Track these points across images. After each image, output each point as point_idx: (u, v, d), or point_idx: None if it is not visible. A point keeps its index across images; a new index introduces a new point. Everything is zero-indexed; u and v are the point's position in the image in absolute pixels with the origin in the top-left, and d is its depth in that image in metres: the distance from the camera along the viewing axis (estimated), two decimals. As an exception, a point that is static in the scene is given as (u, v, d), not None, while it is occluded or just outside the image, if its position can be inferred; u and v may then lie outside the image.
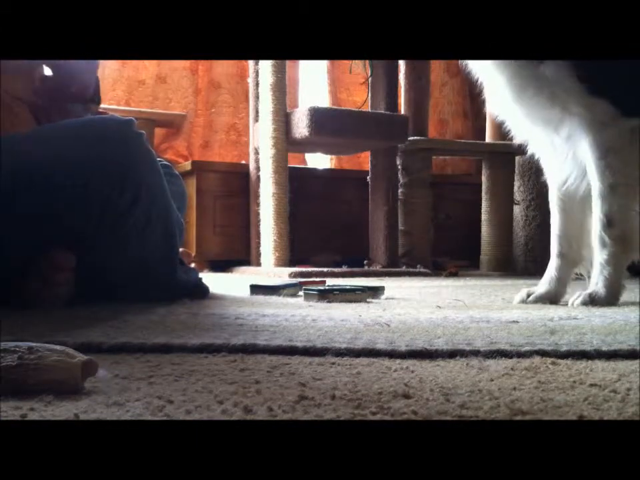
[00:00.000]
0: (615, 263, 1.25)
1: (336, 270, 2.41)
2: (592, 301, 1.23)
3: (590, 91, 1.20)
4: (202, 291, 1.34)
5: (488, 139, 3.07)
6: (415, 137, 2.80)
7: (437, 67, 3.90)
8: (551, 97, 1.22)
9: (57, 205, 1.09)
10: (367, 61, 2.81)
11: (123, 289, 1.16)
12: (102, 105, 3.17)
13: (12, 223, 1.07)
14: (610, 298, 1.24)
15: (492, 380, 0.58)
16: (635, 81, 1.21)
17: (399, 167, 2.83)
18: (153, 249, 1.18)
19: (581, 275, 1.40)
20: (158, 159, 1.27)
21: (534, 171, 2.96)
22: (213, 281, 1.66)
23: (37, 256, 1.08)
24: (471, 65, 1.31)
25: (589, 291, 1.27)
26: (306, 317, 1.01)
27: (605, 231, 1.25)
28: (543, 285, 1.36)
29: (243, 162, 3.26)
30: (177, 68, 3.41)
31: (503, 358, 0.69)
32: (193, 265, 1.52)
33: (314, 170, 3.44)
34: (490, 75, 1.28)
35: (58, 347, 0.53)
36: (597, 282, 1.26)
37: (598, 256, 1.27)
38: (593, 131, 1.23)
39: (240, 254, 2.99)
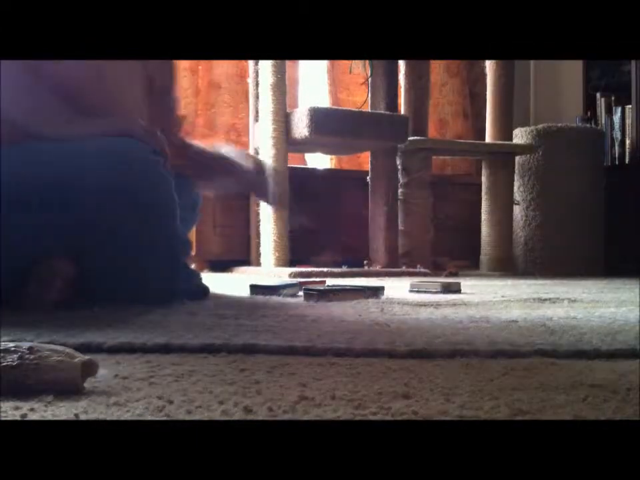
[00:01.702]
0: None
1: (336, 270, 2.41)
2: None
3: None
4: (202, 291, 1.34)
5: (488, 139, 3.07)
6: (415, 137, 2.80)
7: (436, 67, 3.90)
8: None
9: (65, 216, 1.10)
10: (367, 61, 2.81)
11: (123, 299, 1.16)
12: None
13: (17, 228, 1.08)
14: None
15: (492, 380, 0.58)
16: None
17: (399, 167, 2.82)
18: (156, 270, 1.18)
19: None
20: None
21: (534, 171, 2.97)
22: (213, 281, 1.66)
23: (37, 261, 1.09)
24: None
25: None
26: (306, 316, 1.01)
27: None
28: None
29: (243, 162, 3.25)
30: (177, 68, 3.41)
31: (503, 358, 0.69)
32: (192, 265, 1.52)
33: (314, 170, 3.44)
34: None
35: (58, 347, 0.53)
36: None
37: None
38: None
39: (240, 254, 2.99)
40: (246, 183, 1.57)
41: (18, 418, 0.44)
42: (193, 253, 2.85)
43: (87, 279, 1.12)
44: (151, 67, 1.38)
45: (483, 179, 2.97)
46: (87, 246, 1.12)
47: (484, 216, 2.94)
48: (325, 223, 3.15)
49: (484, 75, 3.15)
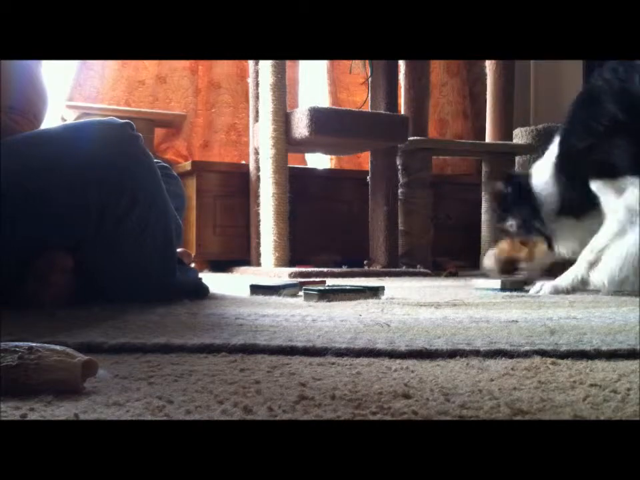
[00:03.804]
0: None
1: (336, 270, 2.41)
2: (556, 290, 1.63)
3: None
4: (202, 291, 1.34)
5: (488, 139, 3.07)
6: (415, 137, 2.80)
7: (437, 67, 3.90)
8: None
9: (55, 207, 1.09)
10: (367, 61, 2.81)
11: (122, 290, 1.16)
12: (102, 105, 3.17)
13: (11, 224, 1.07)
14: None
15: (492, 380, 0.58)
16: None
17: (399, 167, 2.83)
18: (151, 252, 1.18)
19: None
20: (156, 160, 1.26)
21: (534, 171, 2.97)
22: (212, 281, 1.65)
23: (35, 257, 1.08)
24: None
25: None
26: (306, 317, 1.01)
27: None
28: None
29: (243, 162, 3.26)
30: (177, 68, 3.41)
31: (503, 358, 0.69)
32: (192, 265, 1.52)
33: (314, 170, 3.44)
34: None
35: (58, 347, 0.53)
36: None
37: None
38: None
39: (240, 254, 2.99)
40: None
41: (18, 418, 0.44)
42: (193, 253, 2.85)
43: (84, 270, 1.12)
44: None
45: (483, 179, 2.97)
46: (80, 234, 1.11)
47: (484, 216, 2.94)
48: (325, 223, 3.15)
49: (484, 75, 3.16)
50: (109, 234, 1.12)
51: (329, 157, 3.63)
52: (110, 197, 1.11)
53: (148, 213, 1.15)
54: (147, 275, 1.18)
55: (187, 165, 3.03)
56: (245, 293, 1.49)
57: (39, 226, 1.09)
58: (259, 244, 2.68)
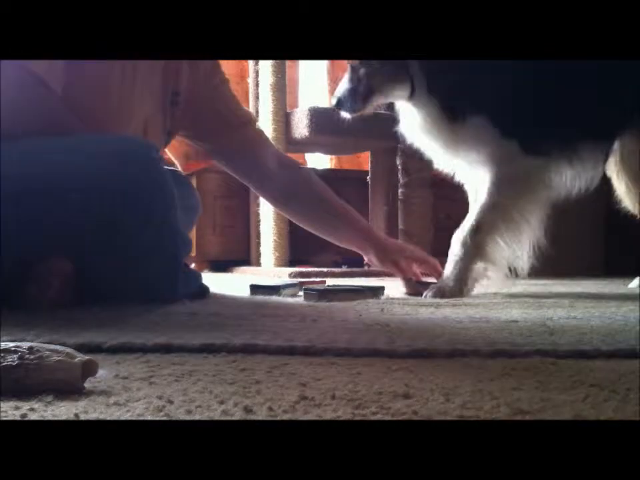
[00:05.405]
0: (466, 261, 1.44)
1: (336, 270, 2.41)
2: (442, 293, 1.41)
3: (502, 134, 1.41)
4: (202, 291, 1.34)
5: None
6: (415, 137, 2.80)
7: (436, 67, 3.90)
8: (474, 145, 1.45)
9: (63, 214, 1.09)
10: (367, 61, 2.81)
11: (122, 300, 1.16)
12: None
13: (15, 226, 1.07)
14: (456, 290, 1.42)
15: (492, 380, 0.58)
16: (541, 125, 1.42)
17: (399, 167, 2.82)
18: (158, 271, 1.18)
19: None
20: (175, 169, 1.27)
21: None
22: (213, 281, 1.65)
23: (35, 261, 1.09)
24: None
25: (440, 284, 1.44)
26: (306, 317, 1.01)
27: (471, 234, 1.44)
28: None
29: (243, 162, 3.25)
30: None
31: (503, 358, 0.69)
32: (192, 266, 1.52)
33: (314, 170, 3.44)
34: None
35: (58, 347, 0.53)
36: (448, 275, 1.45)
37: (455, 253, 1.45)
38: (499, 163, 1.44)
39: (240, 254, 2.99)
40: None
41: (18, 418, 0.44)
42: (193, 253, 2.85)
43: (87, 280, 1.12)
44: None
45: (483, 178, 2.96)
46: (87, 245, 1.12)
47: (484, 216, 2.93)
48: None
49: (484, 75, 3.15)
50: (119, 250, 1.13)
51: (328, 156, 3.63)
52: (124, 214, 1.12)
53: (159, 233, 1.16)
54: (150, 292, 1.18)
55: (186, 165, 3.03)
56: (245, 292, 1.49)
57: (46, 230, 1.09)
58: (259, 244, 2.68)
